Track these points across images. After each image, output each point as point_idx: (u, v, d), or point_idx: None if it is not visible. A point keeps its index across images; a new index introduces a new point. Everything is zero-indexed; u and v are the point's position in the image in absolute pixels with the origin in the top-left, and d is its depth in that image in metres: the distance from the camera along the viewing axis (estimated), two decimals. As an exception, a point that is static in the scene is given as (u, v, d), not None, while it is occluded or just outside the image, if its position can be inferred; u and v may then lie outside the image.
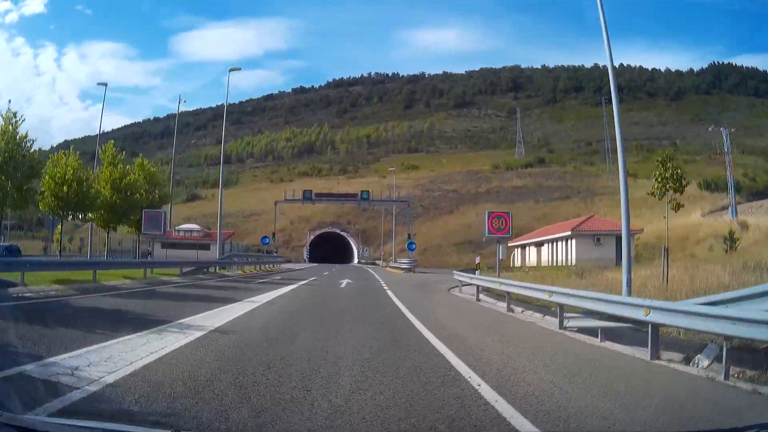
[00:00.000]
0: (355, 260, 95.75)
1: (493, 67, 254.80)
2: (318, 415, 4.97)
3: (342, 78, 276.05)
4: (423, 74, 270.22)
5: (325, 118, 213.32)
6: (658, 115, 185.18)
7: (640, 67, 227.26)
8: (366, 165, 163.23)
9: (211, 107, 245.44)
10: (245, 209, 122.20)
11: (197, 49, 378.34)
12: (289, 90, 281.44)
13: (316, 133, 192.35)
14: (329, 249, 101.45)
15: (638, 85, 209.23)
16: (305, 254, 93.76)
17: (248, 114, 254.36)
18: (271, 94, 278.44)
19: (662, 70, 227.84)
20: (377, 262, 78.64)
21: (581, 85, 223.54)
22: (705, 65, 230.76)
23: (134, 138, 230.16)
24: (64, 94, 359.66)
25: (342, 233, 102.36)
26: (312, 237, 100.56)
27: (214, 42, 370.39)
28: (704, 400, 6.01)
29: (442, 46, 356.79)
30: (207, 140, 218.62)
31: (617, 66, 35.70)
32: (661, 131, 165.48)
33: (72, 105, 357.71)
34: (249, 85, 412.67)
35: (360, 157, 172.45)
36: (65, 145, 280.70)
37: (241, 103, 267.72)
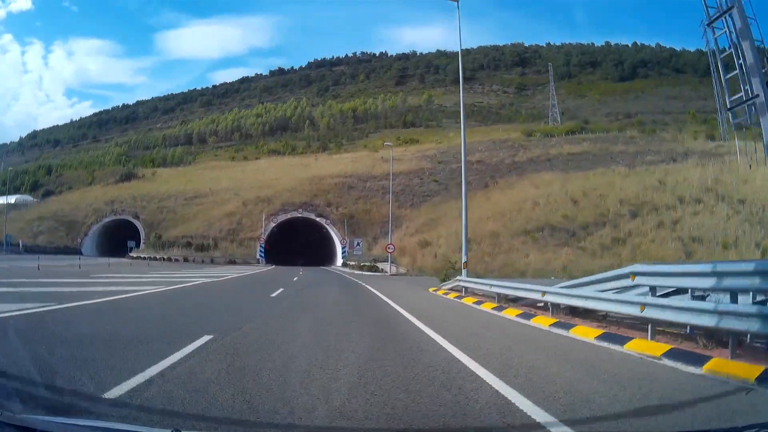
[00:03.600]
0: (338, 260, 59.43)
1: (496, 44, 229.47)
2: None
3: (324, 58, 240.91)
4: (414, 53, 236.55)
5: (305, 97, 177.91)
6: (692, 89, 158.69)
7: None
8: (351, 141, 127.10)
9: (182, 92, 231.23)
10: (189, 190, 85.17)
11: (182, 46, 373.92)
12: (266, 72, 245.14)
13: (292, 108, 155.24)
14: (299, 243, 65.68)
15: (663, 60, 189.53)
16: (258, 251, 57.08)
17: (220, 96, 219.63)
18: (247, 77, 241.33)
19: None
20: (380, 266, 41.92)
21: (597, 60, 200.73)
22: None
23: (99, 124, 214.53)
24: (50, 92, 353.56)
25: (318, 219, 65.61)
26: (272, 225, 63.93)
27: (199, 39, 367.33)
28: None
29: (428, 42, 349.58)
30: (173, 123, 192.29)
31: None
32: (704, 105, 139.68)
33: (58, 102, 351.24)
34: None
35: (344, 134, 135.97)
36: (33, 135, 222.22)
37: (214, 86, 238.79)
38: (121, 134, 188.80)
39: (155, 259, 59.04)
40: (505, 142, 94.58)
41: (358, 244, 48.79)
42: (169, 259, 58.58)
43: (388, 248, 38.75)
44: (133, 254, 63.02)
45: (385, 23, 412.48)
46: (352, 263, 48.73)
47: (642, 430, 4.36)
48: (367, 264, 41.73)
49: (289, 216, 65.34)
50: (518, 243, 41.19)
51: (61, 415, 3.87)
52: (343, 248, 58.72)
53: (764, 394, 5.34)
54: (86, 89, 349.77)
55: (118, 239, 69.34)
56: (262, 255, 58.84)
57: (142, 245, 69.15)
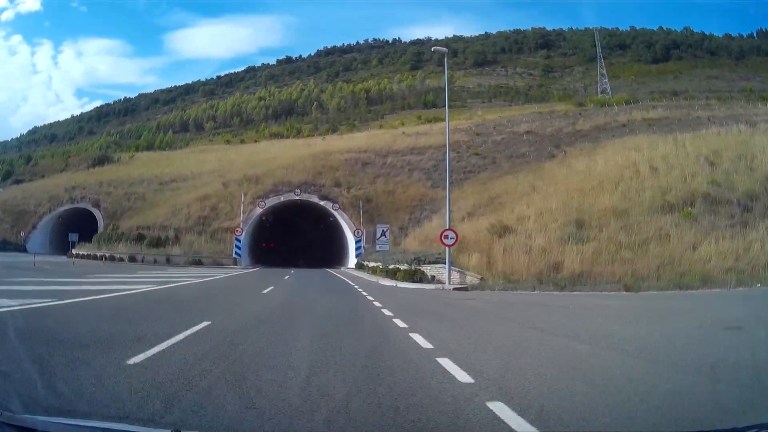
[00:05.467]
0: (351, 260, 41.61)
1: (518, 28, 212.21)
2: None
3: (334, 46, 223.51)
4: (429, 38, 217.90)
5: (313, 81, 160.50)
6: (730, 71, 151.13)
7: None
8: (365, 123, 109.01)
9: (185, 84, 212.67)
10: (167, 174, 67.47)
11: (191, 46, 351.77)
12: (274, 62, 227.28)
13: (299, 91, 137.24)
14: (297, 236, 48.83)
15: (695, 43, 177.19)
16: (235, 248, 39.56)
17: (224, 86, 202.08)
18: (252, 66, 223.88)
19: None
20: (427, 270, 23.14)
21: (625, 43, 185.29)
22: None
23: (98, 118, 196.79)
24: (60, 92, 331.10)
25: (322, 203, 47.24)
26: (258, 211, 45.89)
27: (208, 39, 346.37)
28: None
29: (438, 42, 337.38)
30: (173, 114, 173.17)
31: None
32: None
33: (68, 103, 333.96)
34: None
35: (357, 116, 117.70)
36: (33, 131, 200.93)
37: (218, 77, 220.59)
38: (118, 126, 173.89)
39: (95, 257, 41.52)
40: (553, 114, 76.49)
41: (383, 233, 29.66)
42: (112, 258, 40.96)
43: (445, 238, 20.52)
44: (76, 251, 45.69)
45: (397, 23, 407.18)
46: (373, 264, 30.69)
47: (642, 429, 3.91)
48: (403, 267, 23.34)
49: (282, 199, 47.25)
50: (662, 223, 22.87)
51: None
52: (357, 242, 40.72)
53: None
54: (96, 89, 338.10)
55: (77, 232, 51.86)
56: (239, 252, 41.06)
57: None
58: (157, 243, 42.05)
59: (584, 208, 26.26)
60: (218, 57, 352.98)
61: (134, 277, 22.39)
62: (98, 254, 42.33)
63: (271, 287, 18.38)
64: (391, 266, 25.55)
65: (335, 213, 45.95)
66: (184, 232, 43.75)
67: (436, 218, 39.63)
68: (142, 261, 39.93)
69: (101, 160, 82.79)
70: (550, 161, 48.44)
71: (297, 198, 46.96)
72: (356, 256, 40.26)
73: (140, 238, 43.09)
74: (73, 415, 3.73)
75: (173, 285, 18.86)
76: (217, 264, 38.84)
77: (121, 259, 40.57)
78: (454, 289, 19.39)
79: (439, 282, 21.47)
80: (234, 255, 40.67)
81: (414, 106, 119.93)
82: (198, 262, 38.96)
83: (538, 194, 34.57)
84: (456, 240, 21.07)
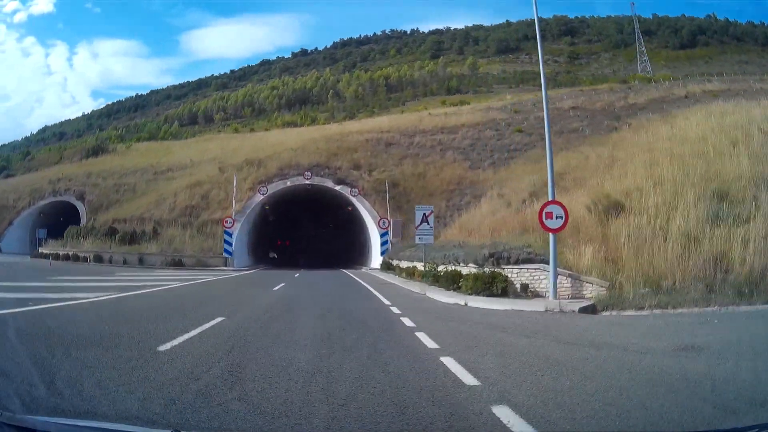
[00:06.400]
0: (374, 259, 32.48)
1: (540, 17, 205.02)
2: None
3: (351, 37, 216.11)
4: (448, 29, 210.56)
5: (329, 72, 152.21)
6: (759, 56, 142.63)
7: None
8: (385, 109, 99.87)
9: (198, 79, 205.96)
10: (164, 163, 59.02)
11: (208, 46, 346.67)
12: (288, 55, 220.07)
13: (313, 80, 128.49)
14: (307, 229, 39.55)
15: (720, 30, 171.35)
16: (225, 244, 30.44)
17: (237, 79, 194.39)
18: (267, 60, 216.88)
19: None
20: (521, 275, 13.53)
21: (650, 30, 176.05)
22: None
23: (109, 114, 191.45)
24: (76, 94, 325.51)
25: (338, 188, 37.83)
26: (259, 198, 36.91)
27: (225, 39, 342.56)
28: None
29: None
30: (180, 107, 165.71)
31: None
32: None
33: (84, 104, 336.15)
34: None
35: (376, 102, 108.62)
36: (43, 130, 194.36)
37: (232, 71, 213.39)
38: (127, 122, 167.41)
39: (57, 257, 32.90)
40: (597, 91, 66.95)
41: (424, 218, 18.80)
42: (76, 258, 32.39)
43: (547, 218, 11.48)
44: (45, 249, 37.29)
45: (414, 19, 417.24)
46: (406, 264, 21.77)
47: (642, 429, 3.74)
48: (469, 269, 13.92)
49: (289, 184, 38.10)
50: None
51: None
52: (382, 235, 31.69)
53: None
54: (112, 90, 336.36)
55: (61, 227, 43.53)
56: (229, 250, 32.16)
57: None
58: (131, 239, 33.38)
59: (711, 176, 17.09)
60: (235, 57, 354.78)
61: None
62: (61, 253, 33.77)
63: (220, 318, 9.42)
64: (441, 267, 16.49)
65: (354, 200, 36.72)
66: (165, 226, 35.03)
67: (485, 203, 30.61)
68: (110, 261, 31.39)
69: (95, 151, 74.28)
70: (615, 133, 39.28)
71: (307, 183, 37.75)
72: (381, 254, 31.27)
73: (112, 233, 34.47)
74: None
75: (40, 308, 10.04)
76: (202, 265, 30.19)
77: (86, 259, 32.00)
78: (579, 310, 10.35)
79: (537, 295, 12.37)
80: (224, 254, 31.86)
81: (437, 93, 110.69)
82: (178, 263, 30.24)
83: (623, 167, 25.40)
84: (566, 221, 11.96)
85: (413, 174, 38.94)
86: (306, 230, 42.99)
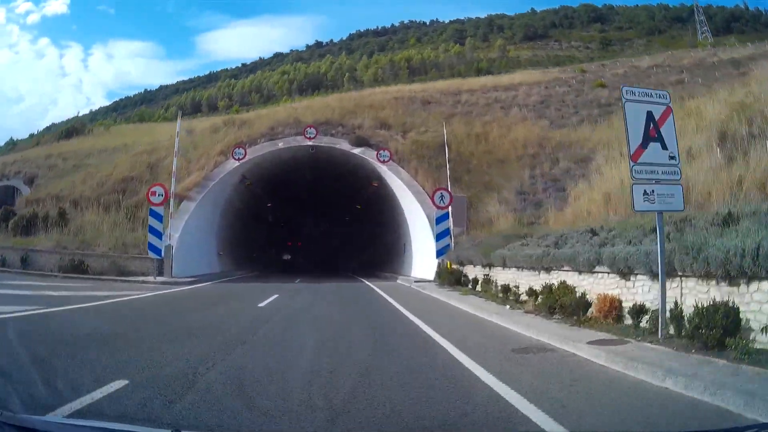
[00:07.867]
0: (417, 264, 18.87)
1: (565, 4, 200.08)
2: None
3: (368, 29, 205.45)
4: (469, 18, 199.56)
5: (345, 56, 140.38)
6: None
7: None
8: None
9: (208, 73, 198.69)
10: (141, 143, 46.33)
11: (223, 47, 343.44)
12: (303, 47, 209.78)
13: (328, 64, 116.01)
14: (309, 218, 26.37)
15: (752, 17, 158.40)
16: (151, 236, 16.90)
17: (248, 71, 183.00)
18: (280, 53, 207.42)
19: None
20: None
21: (682, 17, 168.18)
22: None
23: (115, 109, 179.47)
24: (91, 95, 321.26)
25: (357, 152, 24.41)
26: (234, 165, 23.60)
27: (241, 40, 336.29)
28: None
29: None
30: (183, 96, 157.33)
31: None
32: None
33: (99, 105, 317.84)
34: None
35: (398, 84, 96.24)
36: (51, 127, 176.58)
37: (243, 65, 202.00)
38: (134, 114, 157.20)
39: None
40: (674, 55, 54.18)
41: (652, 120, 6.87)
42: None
43: None
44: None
45: (431, 15, 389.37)
46: (504, 278, 8.95)
47: (642, 429, 4.00)
48: None
49: (281, 145, 24.62)
50: None
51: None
52: (439, 221, 17.95)
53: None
54: (127, 91, 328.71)
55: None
56: (157, 246, 18.30)
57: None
58: (27, 227, 21.00)
59: None
60: (251, 58, 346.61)
61: None
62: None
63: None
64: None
65: (384, 169, 23.43)
66: (83, 208, 22.48)
67: (607, 170, 17.84)
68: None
69: (69, 133, 63.12)
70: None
71: (310, 144, 24.85)
72: (439, 254, 18.06)
73: (4, 218, 22.10)
74: None
75: None
76: (120, 273, 17.56)
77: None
78: None
79: None
80: (149, 252, 18.36)
81: (465, 75, 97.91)
82: (78, 266, 17.73)
83: None
84: None
85: (469, 134, 25.92)
86: (308, 219, 30.45)
